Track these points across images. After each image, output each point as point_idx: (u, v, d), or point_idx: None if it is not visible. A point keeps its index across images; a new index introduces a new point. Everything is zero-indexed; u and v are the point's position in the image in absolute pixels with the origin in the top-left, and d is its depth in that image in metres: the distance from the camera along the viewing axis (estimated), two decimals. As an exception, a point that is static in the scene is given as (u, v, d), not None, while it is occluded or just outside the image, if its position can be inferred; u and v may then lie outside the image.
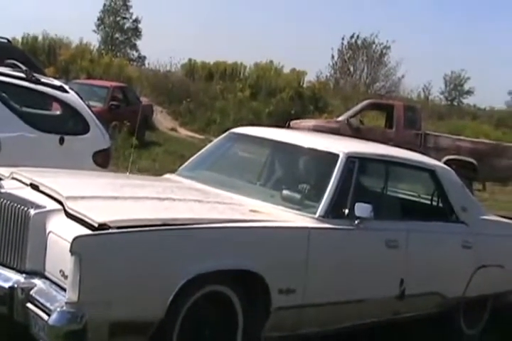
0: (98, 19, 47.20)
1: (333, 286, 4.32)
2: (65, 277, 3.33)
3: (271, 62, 28.52)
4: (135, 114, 16.22)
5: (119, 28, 48.40)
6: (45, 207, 3.71)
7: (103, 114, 13.58)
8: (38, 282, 3.55)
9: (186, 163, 5.49)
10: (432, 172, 5.37)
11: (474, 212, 5.55)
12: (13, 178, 4.24)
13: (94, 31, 46.79)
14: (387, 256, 4.66)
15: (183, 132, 21.99)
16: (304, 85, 28.22)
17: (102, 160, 7.09)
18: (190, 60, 29.20)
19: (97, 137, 7.12)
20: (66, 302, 3.23)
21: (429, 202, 5.62)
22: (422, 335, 5.37)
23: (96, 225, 3.39)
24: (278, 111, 24.17)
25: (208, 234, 3.72)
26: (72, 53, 25.45)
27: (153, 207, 3.93)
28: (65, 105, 7.07)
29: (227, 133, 5.76)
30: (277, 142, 5.16)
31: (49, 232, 3.59)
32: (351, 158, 4.61)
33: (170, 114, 23.93)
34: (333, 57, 37.08)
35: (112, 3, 47.18)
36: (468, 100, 39.30)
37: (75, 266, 3.19)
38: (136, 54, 48.67)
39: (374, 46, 36.78)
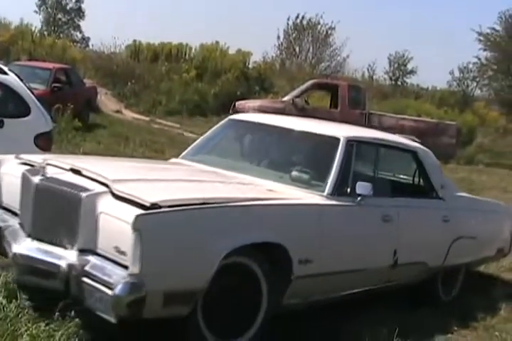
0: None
1: (341, 257, 4.78)
2: (121, 253, 3.68)
3: (216, 43, 28.36)
4: (78, 96, 16.08)
5: (61, 9, 47.35)
6: (93, 190, 3.99)
7: (46, 97, 13.35)
8: (90, 258, 3.84)
9: (189, 149, 5.88)
10: (414, 153, 5.93)
11: (450, 189, 6.15)
12: (48, 164, 4.39)
13: (36, 12, 45.71)
14: (383, 230, 5.16)
15: (129, 114, 21.77)
16: (250, 66, 28.17)
17: (44, 143, 7.02)
18: (134, 41, 28.76)
19: (38, 120, 7.04)
20: (129, 274, 3.55)
21: (412, 181, 6.11)
22: (402, 303, 5.78)
23: (148, 205, 3.70)
24: (224, 92, 24.13)
25: (242, 211, 4.15)
26: (12, 34, 24.80)
27: (189, 187, 4.39)
28: (4, 87, 6.96)
29: (226, 119, 6.14)
30: (280, 128, 5.61)
31: (100, 213, 3.87)
32: (350, 142, 5.10)
33: (115, 96, 23.63)
34: (278, 37, 37.10)
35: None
36: (411, 80, 39.75)
37: (136, 242, 3.51)
38: (79, 35, 47.79)
39: (319, 27, 36.87)
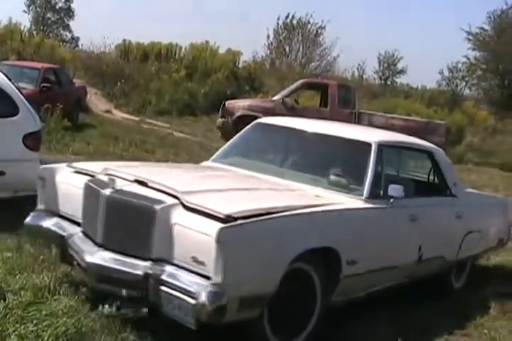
0: (29, -1, 45.90)
1: (379, 256, 5.09)
2: (199, 262, 3.92)
3: (206, 42, 28.32)
4: (68, 96, 16.02)
5: (50, 8, 47.18)
6: (166, 203, 4.17)
7: (34, 96, 13.29)
8: (166, 268, 4.06)
9: (219, 152, 6.14)
10: (430, 153, 6.32)
11: (460, 186, 6.62)
12: (108, 174, 4.59)
13: (25, 11, 45.53)
14: (411, 228, 5.51)
15: (118, 114, 21.70)
16: (240, 65, 28.19)
17: (33, 143, 6.99)
18: (124, 40, 28.67)
19: (27, 119, 7.00)
20: (212, 284, 3.79)
21: (428, 180, 6.49)
22: (417, 293, 6.08)
23: (223, 217, 3.93)
24: (214, 92, 24.12)
25: (305, 218, 4.42)
26: (1, 33, 24.67)
27: (250, 197, 4.63)
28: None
29: (253, 123, 6.35)
30: (311, 132, 5.88)
31: (174, 224, 4.08)
32: (380, 146, 5.44)
33: (104, 96, 23.55)
34: (268, 37, 37.09)
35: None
36: (401, 79, 39.86)
37: (219, 254, 3.74)
38: (69, 35, 47.64)
39: (309, 26, 36.89)
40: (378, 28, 61.30)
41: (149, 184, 4.40)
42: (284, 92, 15.31)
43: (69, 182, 4.88)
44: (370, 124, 14.05)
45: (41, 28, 44.17)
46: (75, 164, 5.09)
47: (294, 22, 36.96)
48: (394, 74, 39.62)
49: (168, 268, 4.06)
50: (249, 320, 4.08)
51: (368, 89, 31.21)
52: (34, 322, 3.96)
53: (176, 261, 4.08)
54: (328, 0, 60.41)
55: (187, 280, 3.95)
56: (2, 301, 4.33)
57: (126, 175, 4.56)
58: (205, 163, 6.03)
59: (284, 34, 37.22)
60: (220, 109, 15.16)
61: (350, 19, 59.88)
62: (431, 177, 6.44)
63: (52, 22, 47.57)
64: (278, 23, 37.08)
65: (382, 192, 5.22)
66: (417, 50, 55.42)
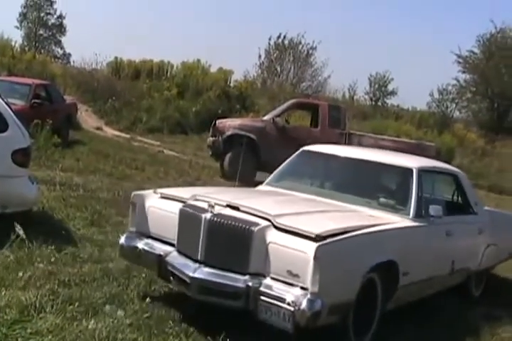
0: (20, 15, 46.00)
1: (423, 268, 5.82)
2: (293, 275, 4.58)
3: (198, 61, 28.48)
4: (58, 112, 16.00)
5: (42, 24, 47.29)
6: (261, 225, 4.83)
7: (25, 112, 13.26)
8: (263, 281, 4.71)
9: (272, 176, 6.92)
10: (455, 176, 7.24)
11: (480, 204, 7.48)
12: (197, 200, 5.30)
13: (17, 27, 45.61)
14: (446, 244, 6.28)
15: (109, 131, 21.70)
16: (231, 84, 28.28)
17: (22, 159, 6.95)
18: (116, 58, 28.79)
19: (16, 135, 6.97)
20: (310, 293, 4.45)
21: (452, 199, 7.31)
22: (436, 301, 6.61)
23: (314, 236, 4.61)
24: (205, 110, 24.17)
25: (376, 236, 5.19)
26: (-7, 50, 24.71)
27: (326, 218, 5.32)
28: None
29: (300, 150, 7.10)
30: (356, 159, 6.61)
31: (269, 243, 4.74)
32: (420, 171, 6.22)
33: (95, 113, 23.58)
34: (260, 56, 37.30)
35: (36, -1, 46.04)
36: (391, 100, 40.13)
37: (316, 268, 4.43)
38: (60, 51, 47.71)
39: (300, 46, 37.15)
40: (369, 49, 61.78)
41: (241, 208, 5.05)
42: (275, 112, 15.31)
43: (158, 206, 5.56)
44: (360, 145, 14.06)
45: (33, 43, 44.24)
46: (161, 190, 5.76)
47: (286, 42, 37.23)
48: (385, 95, 39.89)
49: (265, 281, 4.71)
50: (336, 323, 4.78)
51: (359, 110, 31.40)
52: (19, 340, 3.91)
53: (271, 275, 4.72)
54: (320, 21, 60.93)
55: (283, 290, 4.59)
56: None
57: (217, 201, 5.15)
58: (262, 187, 6.74)
59: (275, 54, 37.45)
60: (211, 128, 15.15)
61: (342, 40, 60.32)
62: (455, 197, 7.30)
63: (44, 38, 47.67)
64: (269, 43, 37.35)
65: (423, 211, 5.94)
66: (408, 72, 55.90)
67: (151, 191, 5.82)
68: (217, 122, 14.96)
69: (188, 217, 5.17)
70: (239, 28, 65.97)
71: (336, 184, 6.66)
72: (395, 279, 5.32)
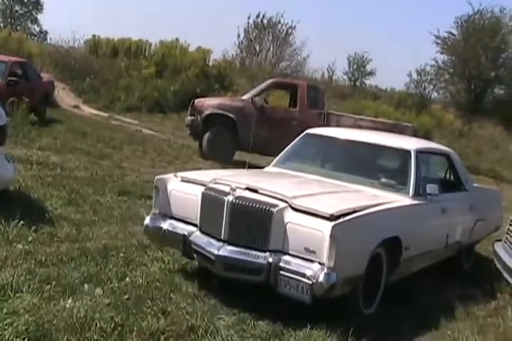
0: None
1: (422, 243, 6.26)
2: (310, 252, 5.03)
3: (176, 40, 28.21)
4: (35, 90, 15.81)
5: (18, 1, 46.57)
6: (279, 206, 5.25)
7: (0, 90, 13.13)
8: (282, 257, 5.15)
9: (278, 158, 7.26)
10: (448, 156, 7.73)
11: (470, 181, 8.09)
12: (217, 183, 5.71)
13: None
14: (442, 219, 6.78)
15: (87, 109, 21.52)
16: (210, 64, 28.08)
17: (-2, 138, 6.88)
18: (94, 36, 28.47)
19: (-8, 113, 6.88)
20: (327, 268, 4.90)
21: (448, 178, 7.88)
22: (432, 273, 6.94)
23: (328, 216, 5.05)
24: (183, 89, 24.01)
25: (384, 214, 5.67)
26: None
27: (336, 198, 5.76)
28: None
29: (304, 133, 7.48)
30: (358, 142, 7.07)
31: (287, 223, 5.17)
32: (417, 153, 6.67)
33: (73, 91, 23.35)
34: (239, 36, 37.04)
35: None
36: (370, 81, 40.18)
37: (332, 245, 4.88)
38: (37, 28, 47.09)
39: (279, 26, 36.92)
40: (348, 29, 61.64)
41: (260, 191, 5.47)
42: (254, 92, 15.23)
43: (179, 189, 5.94)
44: (339, 125, 14.07)
45: (8, 20, 43.58)
46: (181, 174, 6.15)
47: (265, 21, 36.98)
48: (363, 75, 39.91)
49: (284, 257, 5.13)
50: (347, 293, 5.23)
51: (337, 90, 31.41)
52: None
53: (290, 251, 5.14)
54: (299, 0, 60.60)
55: (301, 265, 5.04)
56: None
57: (237, 184, 5.55)
58: (270, 169, 7.12)
59: (254, 33, 37.20)
60: (189, 107, 15.06)
61: (320, 20, 60.11)
62: (448, 175, 7.87)
63: (20, 15, 46.98)
64: (249, 23, 37.08)
65: (421, 190, 6.39)
66: (387, 52, 55.90)
67: (172, 175, 6.18)
68: (195, 101, 14.88)
69: (211, 200, 5.57)
70: (217, 7, 65.43)
71: (340, 165, 7.06)
72: (399, 253, 5.78)
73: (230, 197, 5.38)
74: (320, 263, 4.97)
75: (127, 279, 5.49)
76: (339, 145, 7.20)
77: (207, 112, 14.39)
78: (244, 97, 15.00)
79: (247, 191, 5.49)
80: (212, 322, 4.97)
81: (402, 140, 7.68)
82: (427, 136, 16.12)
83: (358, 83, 39.40)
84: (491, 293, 6.86)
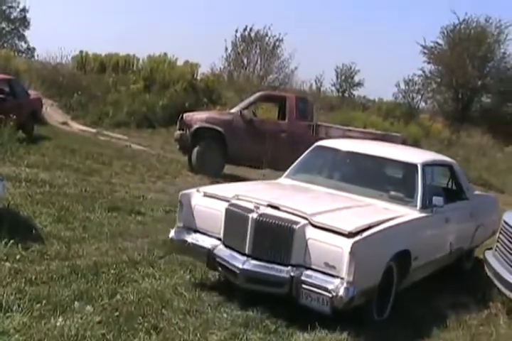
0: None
1: (428, 252, 6.61)
2: (330, 266, 5.35)
3: (164, 54, 28.21)
4: (23, 107, 15.78)
5: (5, 18, 46.57)
6: (300, 223, 5.56)
7: (-13, 108, 13.09)
8: (303, 271, 5.47)
9: (290, 170, 7.54)
10: (450, 166, 8.08)
11: (471, 190, 8.48)
12: (239, 199, 6.00)
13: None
14: (446, 229, 7.11)
15: (75, 126, 21.46)
16: (198, 77, 28.12)
17: (-14, 156, 6.86)
18: (81, 51, 28.39)
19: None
20: (346, 282, 5.23)
21: (451, 187, 8.15)
22: (424, 282, 6.95)
23: (347, 233, 5.36)
24: (172, 104, 23.98)
25: (396, 229, 5.94)
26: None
27: (351, 214, 6.05)
28: None
29: (314, 145, 7.72)
30: (366, 154, 7.33)
31: (308, 239, 5.49)
32: (423, 166, 6.96)
33: (61, 108, 23.30)
34: (226, 49, 37.11)
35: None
36: (358, 92, 40.32)
37: (351, 261, 5.21)
38: (24, 45, 47.06)
39: (267, 39, 37.02)
40: (335, 42, 61.94)
41: (281, 208, 5.76)
42: (242, 105, 15.24)
43: (202, 204, 6.24)
44: (328, 136, 14.06)
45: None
46: (203, 189, 6.43)
47: (252, 34, 37.09)
48: (351, 86, 40.06)
49: (306, 271, 5.45)
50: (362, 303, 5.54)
51: (326, 102, 31.50)
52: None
53: (310, 266, 5.47)
54: (286, 13, 60.91)
55: (322, 279, 5.36)
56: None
57: (259, 201, 5.88)
58: (283, 180, 7.39)
59: (242, 46, 37.29)
60: (178, 122, 15.06)
61: (308, 32, 60.36)
62: (450, 185, 8.14)
63: (7, 32, 46.96)
64: (236, 36, 37.18)
65: (427, 202, 6.66)
66: (374, 63, 56.12)
67: (195, 190, 6.44)
68: (184, 115, 14.87)
69: (235, 216, 5.87)
70: (205, 21, 65.67)
71: (350, 177, 7.34)
72: (408, 264, 6.10)
73: (254, 215, 5.70)
74: (339, 277, 5.30)
75: (118, 296, 5.48)
76: (348, 157, 7.50)
77: (196, 126, 14.38)
78: (233, 110, 15.01)
79: (269, 208, 5.79)
80: (205, 337, 4.97)
81: (409, 153, 8.05)
82: (416, 146, 16.12)
83: (346, 94, 39.54)
84: (482, 302, 6.88)
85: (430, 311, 6.44)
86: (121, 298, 5.45)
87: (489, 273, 6.93)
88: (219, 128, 14.26)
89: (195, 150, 14.24)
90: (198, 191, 6.40)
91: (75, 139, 17.20)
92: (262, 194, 6.24)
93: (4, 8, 46.24)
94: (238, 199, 6.03)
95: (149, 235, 7.76)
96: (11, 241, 6.24)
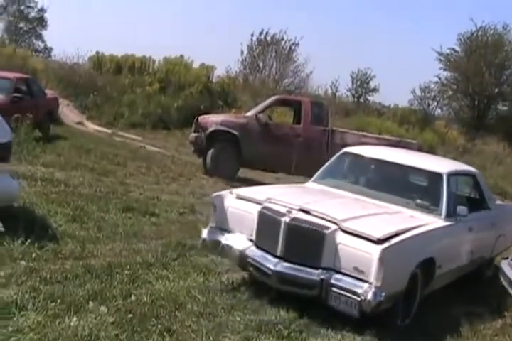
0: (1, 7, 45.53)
1: (451, 260, 6.76)
2: (359, 271, 5.52)
3: (181, 56, 28.29)
4: (39, 106, 15.84)
5: (23, 18, 46.87)
6: (331, 228, 5.73)
7: (5, 107, 13.15)
8: (333, 274, 5.63)
9: (317, 174, 7.68)
10: (474, 176, 8.20)
11: (492, 199, 8.56)
12: (272, 203, 6.17)
13: (-4, 21, 45.17)
14: (469, 238, 7.21)
15: (91, 126, 21.53)
16: (214, 80, 28.14)
17: (3, 154, 6.87)
18: (97, 52, 28.52)
19: (-3, 130, 6.89)
20: (374, 287, 5.41)
21: (474, 196, 8.27)
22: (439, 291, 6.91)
23: (376, 239, 5.53)
24: (187, 106, 24.02)
25: (423, 236, 6.10)
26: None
27: (380, 220, 6.20)
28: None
29: (342, 152, 7.90)
30: (394, 163, 7.47)
31: (338, 244, 5.66)
32: (449, 175, 7.10)
33: (77, 108, 23.37)
34: (242, 52, 37.14)
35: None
36: (373, 97, 40.25)
37: (380, 266, 5.38)
38: (42, 44, 47.32)
39: (283, 42, 37.03)
40: (351, 47, 61.88)
41: (312, 213, 5.94)
42: (258, 108, 15.22)
43: (235, 206, 6.45)
44: (343, 142, 13.99)
45: (14, 37, 43.83)
46: (236, 191, 6.64)
47: (268, 38, 37.11)
48: (366, 92, 39.98)
49: (335, 275, 5.62)
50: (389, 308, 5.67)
51: (341, 107, 31.43)
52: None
53: (340, 269, 5.64)
54: (303, 19, 60.92)
55: (351, 283, 5.53)
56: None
57: (290, 205, 6.05)
58: (311, 185, 7.52)
59: (257, 50, 37.32)
60: (193, 124, 15.07)
61: (324, 38, 60.37)
62: (473, 194, 8.27)
63: (25, 31, 47.25)
64: (252, 39, 37.20)
65: (452, 210, 6.77)
66: (390, 69, 56.06)
67: (227, 192, 6.65)
68: (199, 118, 14.88)
69: (268, 219, 6.07)
70: (222, 24, 65.78)
71: (376, 184, 7.49)
72: (433, 272, 6.25)
73: (286, 218, 5.88)
74: (368, 281, 5.45)
75: (132, 297, 5.47)
76: (375, 164, 7.71)
77: (211, 129, 14.37)
78: (248, 114, 14.99)
79: (301, 212, 5.95)
80: (218, 340, 4.95)
81: (435, 162, 8.21)
82: (431, 153, 16.04)
83: (361, 99, 39.46)
84: (497, 311, 6.83)
85: (445, 319, 6.39)
86: (134, 299, 5.44)
87: (504, 283, 6.88)
88: (234, 132, 14.25)
89: (210, 152, 14.22)
90: (231, 193, 6.61)
91: (90, 139, 17.25)
92: (293, 198, 6.40)
93: (22, 7, 46.53)
94: (271, 202, 6.21)
95: (163, 236, 7.75)
96: (27, 240, 6.25)
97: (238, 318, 5.44)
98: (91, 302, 5.16)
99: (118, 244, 7.12)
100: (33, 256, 6.03)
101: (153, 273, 6.29)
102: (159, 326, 4.96)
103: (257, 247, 6.13)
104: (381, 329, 5.65)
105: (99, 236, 7.29)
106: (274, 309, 5.77)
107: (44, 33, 47.51)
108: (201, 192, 11.51)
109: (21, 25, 46.83)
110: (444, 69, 35.88)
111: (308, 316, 5.68)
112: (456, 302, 7.02)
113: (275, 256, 5.90)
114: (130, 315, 5.04)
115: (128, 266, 6.27)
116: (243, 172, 14.39)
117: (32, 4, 46.83)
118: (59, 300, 5.03)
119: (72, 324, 4.65)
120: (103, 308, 5.10)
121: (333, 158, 7.89)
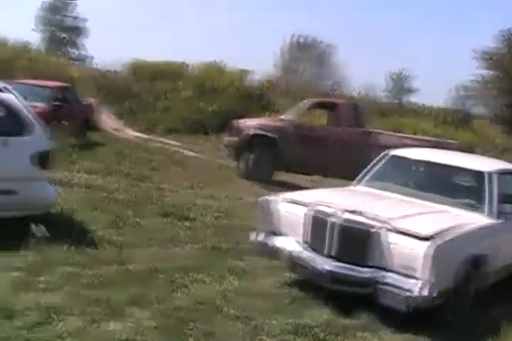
0: (38, 17, 46.33)
1: (500, 258, 6.74)
2: (408, 268, 5.65)
3: (215, 61, 28.46)
4: (77, 114, 16.09)
5: (61, 27, 47.60)
6: (379, 228, 5.88)
7: (46, 115, 13.34)
8: (381, 272, 5.78)
9: (366, 178, 7.75)
10: None
11: None
12: (321, 205, 6.30)
13: (34, 30, 45.92)
14: None
15: (128, 132, 21.75)
16: (249, 84, 28.19)
17: (44, 162, 7.00)
18: (134, 59, 28.90)
19: (38, 138, 7.02)
20: (429, 283, 5.53)
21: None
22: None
23: (426, 237, 5.68)
24: (222, 110, 24.07)
25: (471, 233, 6.26)
26: (9, 52, 24.79)
27: (426, 219, 6.29)
28: (4, 106, 6.95)
29: (389, 155, 7.92)
30: (438, 164, 7.61)
31: (388, 242, 5.81)
32: (494, 174, 7.14)
33: (114, 114, 23.66)
34: (279, 56, 37.22)
35: (53, 1, 46.35)
36: (409, 98, 39.98)
37: (430, 263, 5.53)
38: (79, 53, 47.97)
39: (320, 46, 37.04)
40: (387, 46, 61.48)
41: (362, 214, 6.07)
42: (294, 111, 15.25)
43: (284, 209, 6.59)
44: (381, 143, 13.83)
45: (52, 46, 44.50)
46: (285, 195, 6.78)
47: (305, 41, 37.10)
48: (403, 92, 39.69)
49: (384, 272, 5.77)
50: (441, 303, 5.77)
51: (376, 108, 31.17)
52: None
53: (389, 268, 5.77)
54: (340, 22, 60.76)
55: (401, 280, 5.67)
56: (8, 321, 4.30)
57: (340, 207, 6.19)
58: (359, 188, 7.61)
59: (294, 53, 37.34)
60: (228, 128, 15.12)
61: (361, 40, 60.09)
62: None
63: (63, 40, 47.95)
64: (289, 43, 37.24)
65: (499, 209, 6.85)
66: (428, 69, 55.56)
67: (276, 195, 6.82)
68: (236, 122, 14.92)
69: (317, 221, 6.22)
70: (255, 28, 65.92)
71: (422, 185, 7.61)
72: (482, 269, 6.30)
73: (337, 220, 6.06)
74: (419, 278, 5.58)
75: (169, 301, 5.50)
76: (421, 166, 7.87)
77: (248, 133, 14.38)
78: (285, 117, 14.99)
79: (351, 214, 6.10)
80: (254, 343, 4.95)
81: (479, 162, 8.29)
82: (471, 152, 15.81)
83: (396, 100, 39.16)
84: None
85: (487, 319, 6.26)
86: (172, 303, 5.48)
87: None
88: (272, 135, 14.24)
89: (249, 156, 14.21)
90: (278, 196, 6.75)
91: (127, 145, 17.41)
92: (341, 200, 6.56)
93: (62, 17, 47.27)
94: (321, 205, 6.34)
95: (198, 241, 7.79)
96: (66, 246, 6.34)
97: (275, 321, 5.43)
98: (129, 307, 5.21)
99: (154, 248, 7.18)
100: (72, 261, 6.12)
101: (190, 277, 6.32)
102: (196, 330, 4.98)
103: (308, 248, 6.26)
104: (418, 330, 5.61)
105: (136, 241, 7.36)
106: (311, 312, 5.76)
107: (83, 41, 48.24)
108: (236, 196, 11.53)
109: (60, 34, 47.55)
110: (486, 68, 35.31)
111: (345, 319, 5.66)
112: (498, 302, 6.88)
113: (326, 256, 6.04)
114: (168, 320, 5.08)
115: (165, 271, 6.32)
116: (277, 176, 14.39)
117: (72, 14, 47.57)
118: (98, 305, 5.09)
119: (110, 329, 4.70)
120: (141, 313, 5.14)
121: (378, 160, 7.98)
